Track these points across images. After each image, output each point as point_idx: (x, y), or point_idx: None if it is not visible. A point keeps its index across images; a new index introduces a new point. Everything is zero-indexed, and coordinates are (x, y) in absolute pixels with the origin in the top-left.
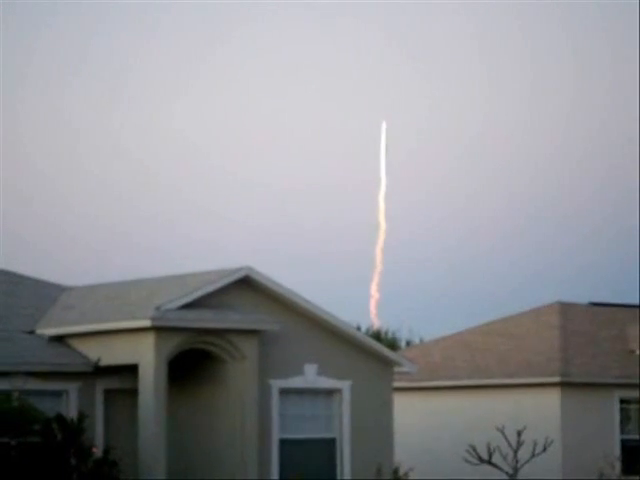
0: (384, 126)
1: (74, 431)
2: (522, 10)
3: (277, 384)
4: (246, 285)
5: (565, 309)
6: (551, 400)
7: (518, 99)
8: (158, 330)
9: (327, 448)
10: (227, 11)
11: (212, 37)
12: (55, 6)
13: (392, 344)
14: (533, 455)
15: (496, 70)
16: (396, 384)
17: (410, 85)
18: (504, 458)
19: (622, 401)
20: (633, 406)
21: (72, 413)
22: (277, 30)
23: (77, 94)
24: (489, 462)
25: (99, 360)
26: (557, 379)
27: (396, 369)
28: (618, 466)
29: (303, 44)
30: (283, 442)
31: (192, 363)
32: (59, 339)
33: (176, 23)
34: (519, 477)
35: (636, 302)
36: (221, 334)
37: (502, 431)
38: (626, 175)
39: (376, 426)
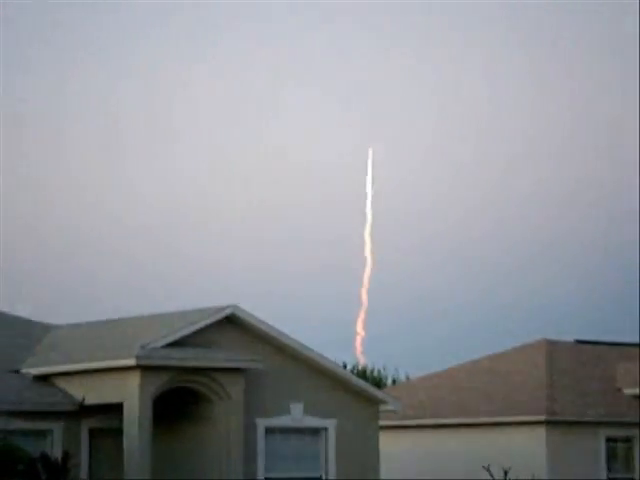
0: (370, 156)
1: (59, 471)
2: (516, 31)
3: (263, 423)
4: (232, 323)
5: (551, 347)
6: (537, 438)
7: (508, 133)
8: (143, 369)
9: None
10: (209, 38)
11: (193, 65)
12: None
13: (378, 382)
14: None
15: (486, 100)
16: (382, 422)
17: (397, 114)
18: None
19: (608, 439)
20: (619, 444)
21: (57, 453)
22: (263, 53)
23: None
24: None
25: (84, 399)
26: (543, 417)
27: (382, 407)
28: None
29: (289, 67)
30: None
31: (177, 402)
32: (44, 378)
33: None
34: None
35: (621, 340)
36: (206, 373)
37: (488, 469)
38: (615, 213)
39: (362, 464)
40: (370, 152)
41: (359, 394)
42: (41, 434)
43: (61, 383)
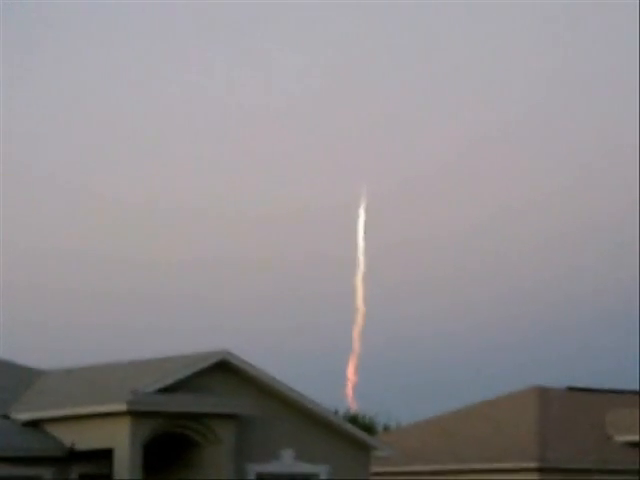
0: (363, 202)
1: None
2: (509, 62)
3: (254, 469)
4: (223, 368)
5: (543, 394)
6: None
7: (506, 171)
8: (134, 414)
9: None
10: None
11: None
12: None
13: (369, 428)
14: None
15: (477, 137)
16: (374, 469)
17: (389, 160)
18: None
19: None
20: None
21: None
22: (261, 90)
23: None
24: None
25: (74, 445)
26: (535, 464)
27: (373, 453)
28: None
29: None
30: None
31: (168, 447)
32: (33, 424)
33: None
34: None
35: (613, 387)
36: (197, 418)
37: None
38: (610, 258)
39: None
40: (363, 193)
41: (351, 440)
42: None
43: (51, 429)
